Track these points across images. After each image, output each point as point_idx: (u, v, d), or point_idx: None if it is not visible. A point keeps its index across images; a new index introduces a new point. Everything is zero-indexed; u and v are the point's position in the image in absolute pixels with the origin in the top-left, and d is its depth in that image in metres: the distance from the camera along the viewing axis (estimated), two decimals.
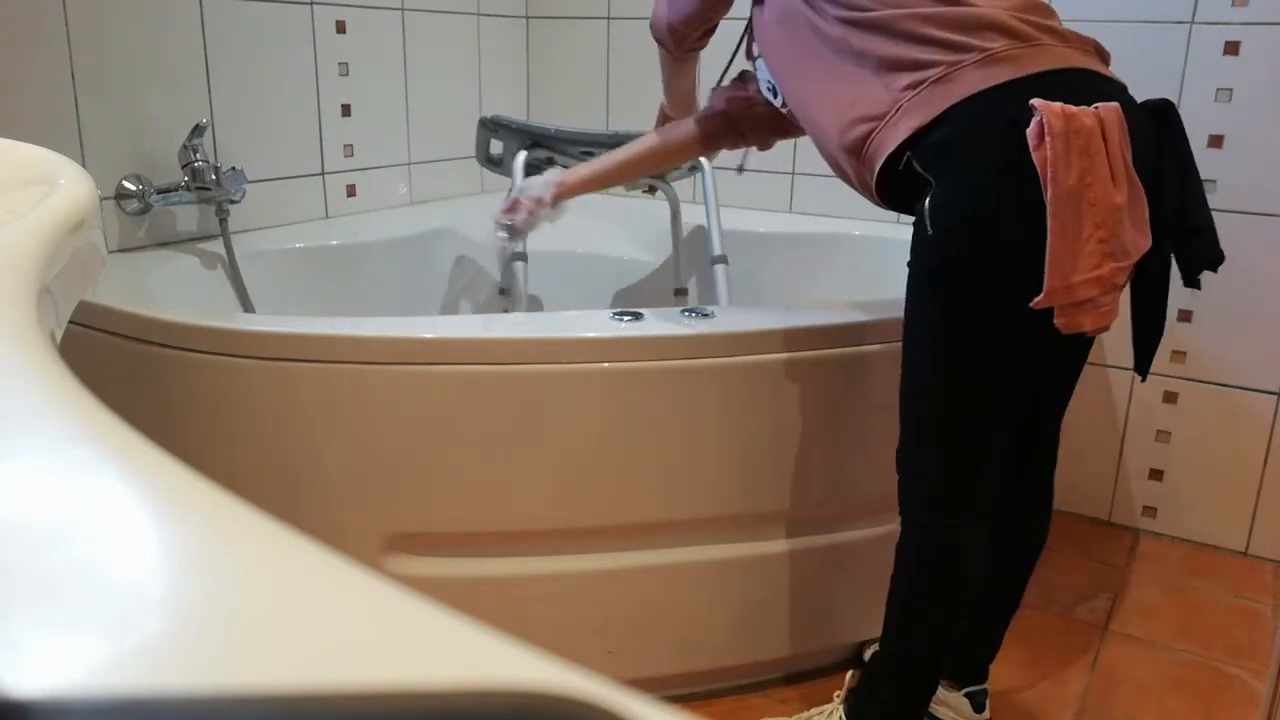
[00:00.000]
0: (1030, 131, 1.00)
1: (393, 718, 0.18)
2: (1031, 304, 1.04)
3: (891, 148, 1.09)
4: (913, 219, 1.15)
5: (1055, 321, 1.05)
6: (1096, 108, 1.02)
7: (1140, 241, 1.07)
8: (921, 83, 1.06)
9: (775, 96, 1.36)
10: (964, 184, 1.07)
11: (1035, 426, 1.27)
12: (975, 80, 1.04)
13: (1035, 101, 1.00)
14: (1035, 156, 1.00)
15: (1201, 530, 2.04)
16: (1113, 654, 1.66)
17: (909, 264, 1.16)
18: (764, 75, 1.37)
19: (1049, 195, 1.00)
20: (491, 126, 1.76)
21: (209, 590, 0.22)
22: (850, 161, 1.16)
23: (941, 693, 1.41)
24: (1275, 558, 1.98)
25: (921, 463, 1.19)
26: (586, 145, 1.77)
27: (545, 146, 1.84)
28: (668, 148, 1.56)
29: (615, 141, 1.68)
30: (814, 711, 1.43)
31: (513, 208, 1.57)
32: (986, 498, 1.18)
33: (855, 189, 1.24)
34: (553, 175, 1.56)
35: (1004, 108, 1.03)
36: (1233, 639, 1.71)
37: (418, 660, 0.20)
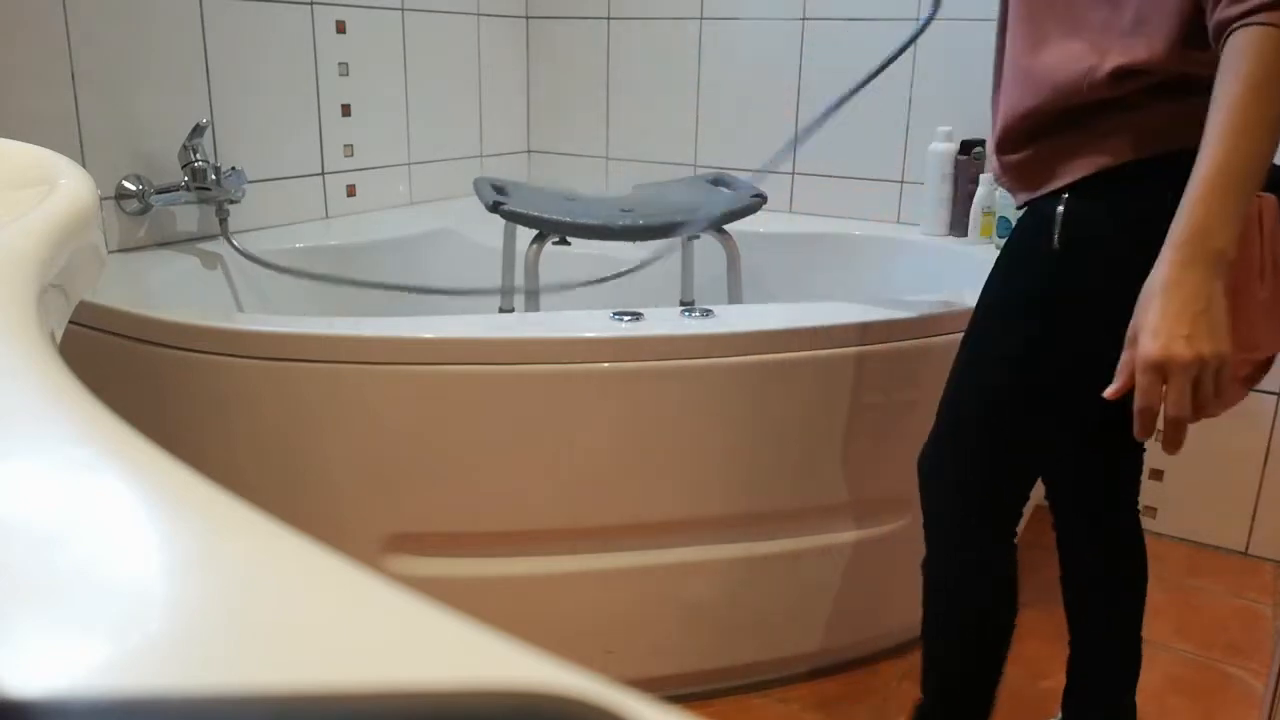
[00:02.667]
0: None
1: (392, 718, 0.18)
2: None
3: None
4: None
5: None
6: (1259, 196, 0.93)
7: (1276, 341, 0.98)
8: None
9: None
10: (1120, 217, 0.98)
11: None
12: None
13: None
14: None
15: (1201, 530, 2.04)
16: None
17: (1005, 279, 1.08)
18: None
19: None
20: (494, 206, 1.67)
21: (209, 590, 0.22)
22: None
23: None
24: (1275, 558, 1.98)
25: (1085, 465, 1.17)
26: (599, 236, 1.66)
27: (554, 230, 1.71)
28: None
29: (625, 233, 1.61)
30: None
31: None
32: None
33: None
34: None
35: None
36: (1233, 639, 1.71)
37: (418, 660, 0.20)
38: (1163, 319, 0.85)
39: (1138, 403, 0.88)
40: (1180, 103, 0.95)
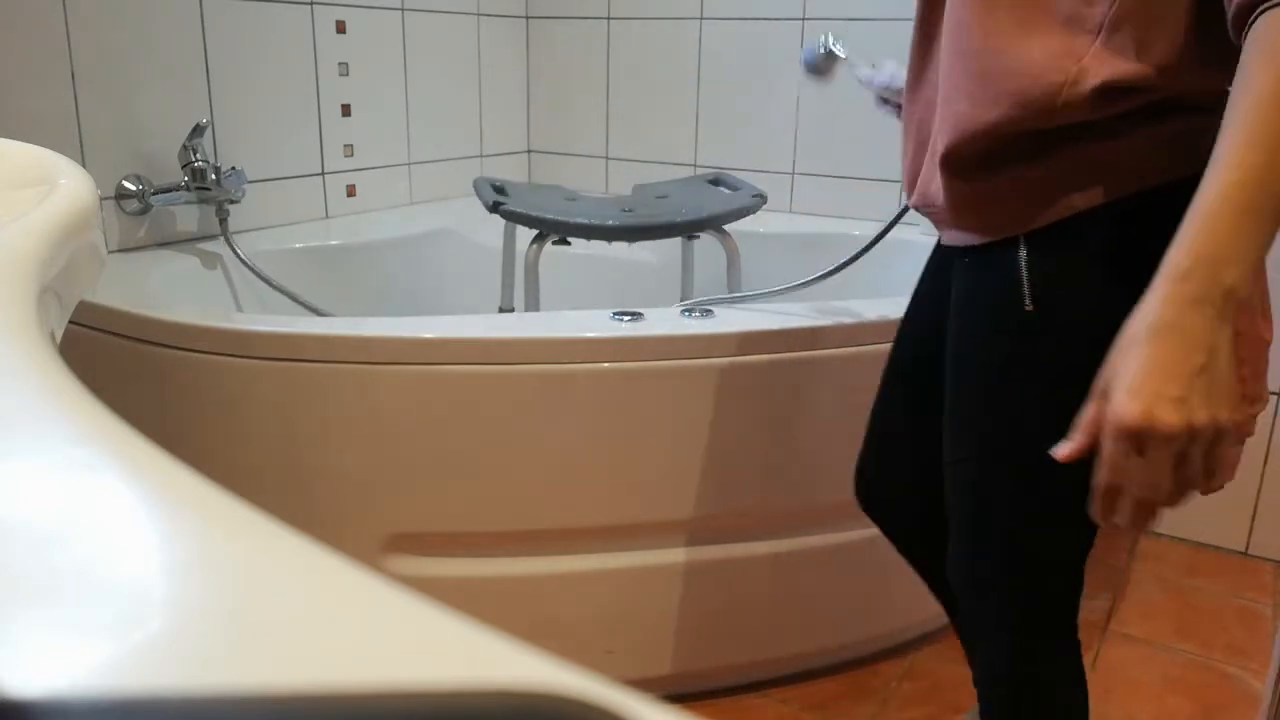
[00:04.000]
0: None
1: (393, 718, 0.18)
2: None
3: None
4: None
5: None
6: None
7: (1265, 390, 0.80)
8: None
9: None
10: (1101, 269, 0.78)
11: None
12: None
13: None
14: None
15: (1201, 530, 2.04)
16: (1113, 654, 1.66)
17: (982, 335, 0.85)
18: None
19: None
20: (494, 206, 1.67)
21: (209, 590, 0.22)
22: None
23: None
24: (1275, 558, 1.98)
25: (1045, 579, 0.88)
26: (599, 236, 1.65)
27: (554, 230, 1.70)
28: None
29: (624, 233, 1.61)
30: None
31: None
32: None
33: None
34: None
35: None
36: (1233, 639, 1.71)
37: (418, 660, 0.20)
38: (1148, 374, 0.64)
39: (1102, 477, 0.68)
40: (1168, 124, 0.77)
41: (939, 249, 1.03)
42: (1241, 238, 0.63)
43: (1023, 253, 0.80)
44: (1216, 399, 0.64)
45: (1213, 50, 0.73)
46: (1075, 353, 0.77)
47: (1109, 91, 0.75)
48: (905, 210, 1.11)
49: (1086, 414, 0.70)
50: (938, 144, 0.84)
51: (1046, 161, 0.78)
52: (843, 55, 1.27)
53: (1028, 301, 0.79)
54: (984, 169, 0.81)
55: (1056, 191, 0.79)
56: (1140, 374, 0.65)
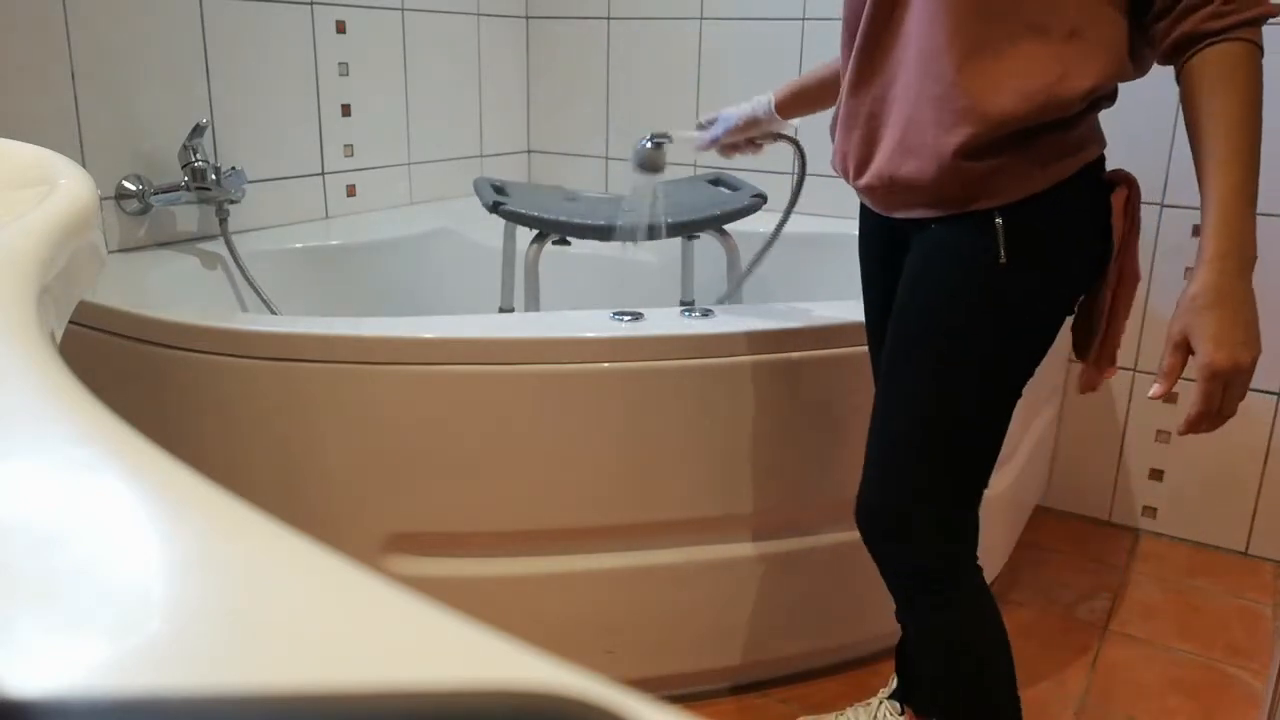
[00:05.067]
0: (1120, 198, 1.01)
1: (393, 718, 0.18)
2: (1105, 375, 1.07)
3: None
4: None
5: (1088, 378, 1.07)
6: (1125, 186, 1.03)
7: None
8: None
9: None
10: (1054, 228, 0.99)
11: None
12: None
13: (1122, 171, 1.02)
14: (1117, 225, 1.01)
15: (1201, 530, 2.04)
16: (1113, 654, 1.66)
17: (947, 284, 1.02)
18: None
19: (1120, 269, 1.02)
20: (494, 206, 1.67)
21: (209, 591, 0.22)
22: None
23: None
24: (1275, 558, 1.98)
25: (957, 467, 1.06)
26: (599, 236, 1.65)
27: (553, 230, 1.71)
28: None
29: (624, 233, 1.61)
30: (859, 706, 1.42)
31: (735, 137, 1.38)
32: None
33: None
34: (762, 99, 1.38)
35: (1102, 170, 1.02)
36: (1233, 639, 1.71)
37: (418, 660, 0.20)
38: (1223, 330, 0.88)
39: (1200, 406, 0.91)
40: (1098, 111, 1.00)
41: (885, 229, 1.14)
42: (1247, 222, 0.89)
43: (999, 219, 0.98)
44: (1258, 339, 0.90)
45: (1134, 58, 0.97)
46: (1032, 291, 0.99)
47: (1088, 93, 0.94)
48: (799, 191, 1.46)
49: (1167, 363, 0.92)
50: (942, 138, 0.98)
51: (1030, 148, 0.97)
52: (671, 140, 1.44)
53: (1003, 256, 0.98)
54: (986, 156, 0.97)
55: (1034, 171, 0.97)
56: (1218, 331, 0.88)
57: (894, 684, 1.42)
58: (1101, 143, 1.02)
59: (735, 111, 1.39)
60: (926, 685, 1.16)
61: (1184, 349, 0.91)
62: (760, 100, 1.38)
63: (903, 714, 1.39)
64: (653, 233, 1.59)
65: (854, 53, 1.06)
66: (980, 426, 1.04)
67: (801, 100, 1.36)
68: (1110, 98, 0.99)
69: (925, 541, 1.08)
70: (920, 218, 1.04)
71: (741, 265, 1.83)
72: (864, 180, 1.08)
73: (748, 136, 1.40)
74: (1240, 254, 0.88)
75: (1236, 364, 0.88)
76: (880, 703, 1.41)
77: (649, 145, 1.44)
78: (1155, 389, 0.93)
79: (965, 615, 1.08)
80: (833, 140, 1.16)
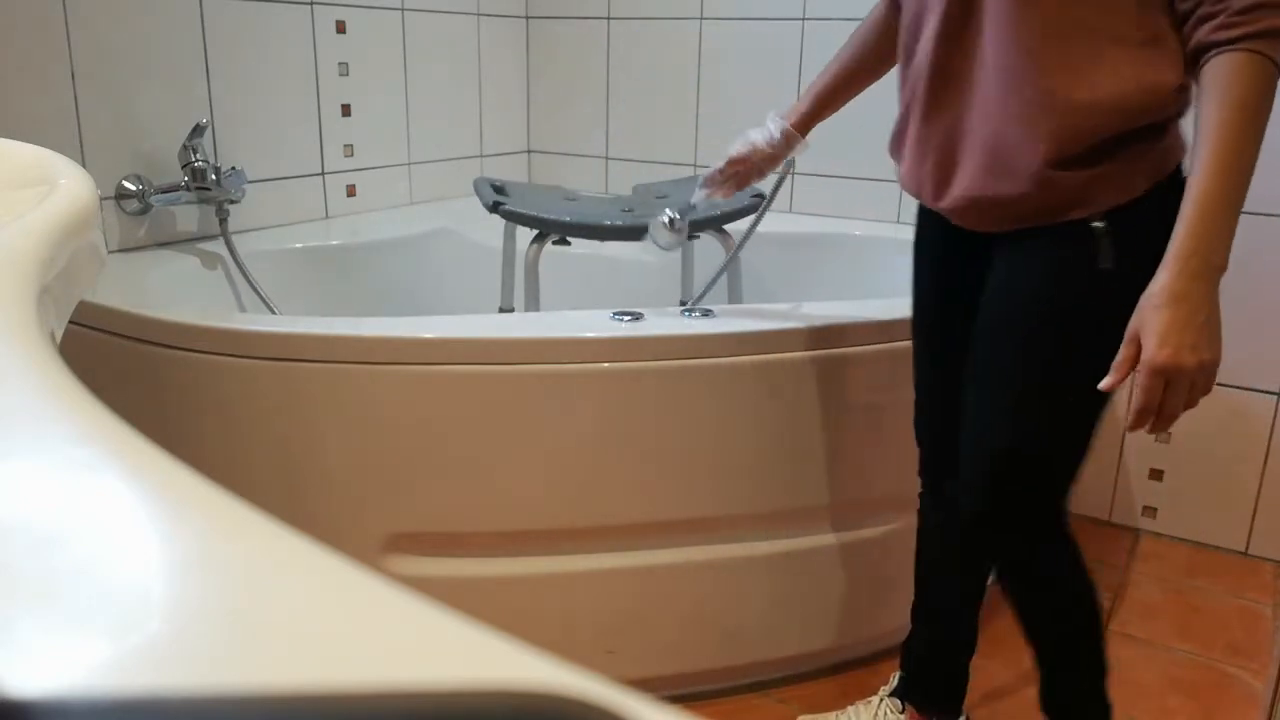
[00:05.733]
0: None
1: (393, 718, 0.18)
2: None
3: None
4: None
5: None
6: None
7: None
8: None
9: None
10: (1146, 234, 0.98)
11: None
12: None
13: None
14: None
15: (1201, 530, 2.04)
16: (1113, 654, 1.65)
17: (1049, 293, 1.04)
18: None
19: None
20: (494, 206, 1.67)
21: (209, 591, 0.22)
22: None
23: None
24: (1275, 558, 1.98)
25: (1066, 467, 1.11)
26: (599, 236, 1.65)
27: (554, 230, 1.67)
28: (875, 32, 1.32)
29: (624, 233, 1.61)
30: (860, 704, 1.43)
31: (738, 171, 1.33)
32: None
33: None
34: (770, 123, 1.33)
35: None
36: (1233, 639, 1.71)
37: (418, 660, 0.20)
38: (1171, 328, 0.90)
39: (1139, 402, 0.93)
40: (1179, 120, 1.01)
41: (951, 234, 1.14)
42: (1220, 228, 0.89)
43: (1098, 225, 0.99)
44: (1214, 343, 0.91)
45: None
46: (1133, 294, 0.96)
47: (1181, 86, 0.96)
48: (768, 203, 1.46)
49: (1120, 356, 0.94)
50: (1035, 154, 0.99)
51: (1125, 155, 0.98)
52: (694, 207, 1.41)
53: (1107, 261, 0.99)
54: (1081, 166, 0.98)
55: (1132, 177, 0.99)
56: (1164, 329, 0.90)
57: (894, 682, 1.42)
58: (1185, 148, 1.02)
59: (747, 149, 1.32)
60: (1049, 650, 1.20)
61: (1135, 343, 0.93)
62: (773, 130, 1.32)
63: (903, 712, 1.39)
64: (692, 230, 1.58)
65: (925, 80, 1.08)
66: (1085, 425, 1.08)
67: (823, 114, 1.35)
68: (1189, 103, 0.99)
69: (1036, 532, 1.13)
70: (1013, 229, 1.06)
71: (741, 266, 1.83)
72: (946, 203, 1.09)
73: (764, 174, 1.36)
74: (1204, 258, 0.90)
75: (1178, 364, 0.90)
76: (881, 700, 1.42)
77: (677, 224, 1.39)
78: (1105, 380, 0.96)
79: (1073, 573, 1.15)
80: (894, 160, 1.19)
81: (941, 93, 1.07)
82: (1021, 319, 1.06)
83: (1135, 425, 0.96)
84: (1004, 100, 1.00)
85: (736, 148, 1.33)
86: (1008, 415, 1.09)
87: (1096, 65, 0.96)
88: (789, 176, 1.60)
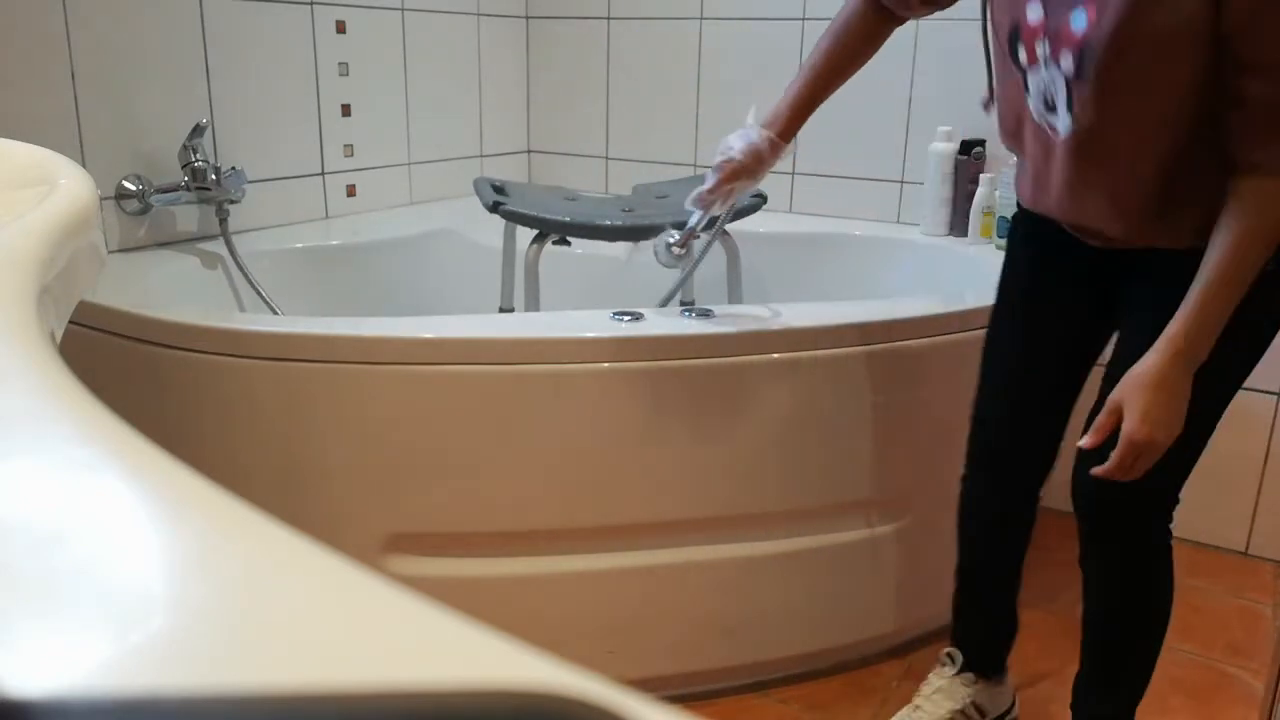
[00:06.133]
0: None
1: (393, 718, 0.18)
2: None
3: None
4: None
5: None
6: None
7: None
8: None
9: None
10: None
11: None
12: None
13: None
14: None
15: (1201, 530, 2.04)
16: None
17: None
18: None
19: None
20: (494, 206, 1.67)
21: (210, 591, 0.22)
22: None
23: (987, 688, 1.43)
24: (1275, 558, 1.98)
25: (1182, 468, 1.19)
26: (599, 236, 1.65)
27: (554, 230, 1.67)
28: (849, 32, 1.32)
29: (624, 233, 1.61)
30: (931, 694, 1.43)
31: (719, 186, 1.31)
32: None
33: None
34: (750, 130, 1.30)
35: None
36: (1233, 639, 1.71)
37: (418, 660, 0.20)
38: (1153, 408, 1.01)
39: (1115, 467, 1.05)
40: None
41: (1093, 260, 1.20)
42: (1213, 329, 1.01)
43: None
44: (1180, 423, 1.03)
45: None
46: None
47: None
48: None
49: (1101, 422, 1.06)
50: (1199, 212, 1.05)
51: None
52: (697, 233, 1.39)
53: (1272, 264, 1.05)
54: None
55: None
56: (1148, 408, 1.02)
57: (950, 667, 1.42)
58: None
59: (739, 159, 1.30)
60: (1113, 649, 1.27)
61: (1117, 414, 1.04)
62: (757, 138, 1.29)
63: (976, 682, 1.42)
64: (653, 233, 1.59)
65: (1068, 162, 1.11)
66: (1215, 423, 1.15)
67: (804, 118, 1.33)
68: None
69: (1156, 520, 1.23)
70: (1181, 246, 1.10)
71: (741, 266, 1.83)
72: (1102, 245, 1.16)
73: (757, 180, 1.33)
74: (1194, 352, 1.01)
75: (1153, 441, 1.02)
76: (949, 681, 1.42)
77: (675, 249, 1.40)
78: (1085, 440, 1.07)
79: (1166, 567, 1.26)
80: (1018, 194, 1.27)
81: (1080, 183, 1.13)
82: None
83: (1102, 475, 1.06)
84: (1151, 179, 1.07)
85: (719, 161, 1.30)
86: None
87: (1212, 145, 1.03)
88: (755, 199, 1.62)
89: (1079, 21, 1.03)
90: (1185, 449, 1.11)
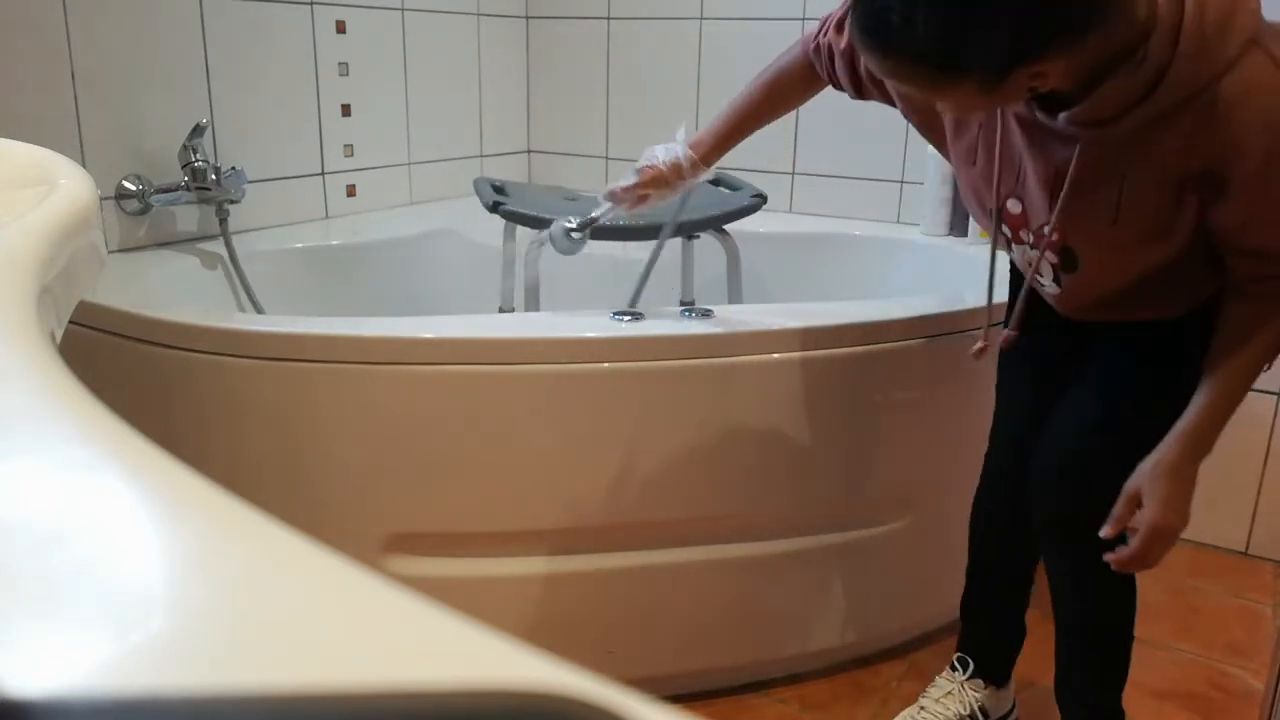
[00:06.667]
0: None
1: (393, 718, 0.18)
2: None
3: None
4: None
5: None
6: None
7: None
8: None
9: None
10: None
11: None
12: None
13: None
14: None
15: (1201, 530, 2.04)
16: None
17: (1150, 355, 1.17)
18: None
19: None
20: (494, 206, 1.67)
21: (209, 591, 0.22)
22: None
23: (994, 692, 1.45)
24: (1275, 558, 1.98)
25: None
26: (600, 235, 1.66)
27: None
28: (787, 78, 1.33)
29: (624, 233, 1.62)
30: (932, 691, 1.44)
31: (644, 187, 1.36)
32: None
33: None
34: (678, 145, 1.36)
35: None
36: (1233, 639, 1.71)
37: (418, 660, 0.20)
38: (1172, 497, 1.06)
39: (1140, 553, 1.09)
40: None
41: (1072, 324, 1.24)
42: (1222, 425, 1.07)
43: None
44: (1188, 512, 1.08)
45: None
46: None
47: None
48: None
49: (1120, 511, 1.10)
50: (1143, 309, 1.14)
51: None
52: (595, 218, 1.41)
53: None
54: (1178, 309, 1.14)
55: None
56: (1168, 497, 1.07)
57: (960, 672, 1.43)
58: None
59: (648, 165, 1.36)
60: (1083, 634, 1.30)
61: (1135, 503, 1.08)
62: (678, 151, 1.35)
63: (986, 689, 1.43)
64: (652, 233, 1.59)
65: (1055, 296, 1.17)
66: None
67: (729, 146, 1.37)
68: None
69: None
70: (1126, 320, 1.17)
71: (741, 266, 1.83)
72: (1079, 315, 1.19)
73: (661, 193, 1.37)
74: (1206, 447, 1.07)
75: (1173, 527, 1.07)
76: (959, 686, 1.43)
77: (574, 233, 1.41)
78: (1105, 530, 1.11)
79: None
80: (1011, 265, 1.31)
81: (1068, 302, 1.18)
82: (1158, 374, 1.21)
83: (1122, 567, 1.11)
84: (1138, 293, 1.13)
85: (641, 166, 1.36)
86: (1127, 416, 1.20)
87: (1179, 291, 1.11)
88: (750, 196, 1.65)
89: (1053, 235, 1.08)
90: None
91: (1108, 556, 1.11)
